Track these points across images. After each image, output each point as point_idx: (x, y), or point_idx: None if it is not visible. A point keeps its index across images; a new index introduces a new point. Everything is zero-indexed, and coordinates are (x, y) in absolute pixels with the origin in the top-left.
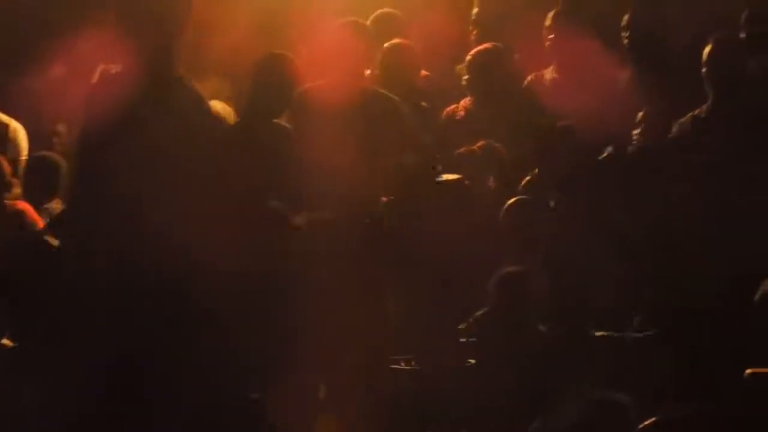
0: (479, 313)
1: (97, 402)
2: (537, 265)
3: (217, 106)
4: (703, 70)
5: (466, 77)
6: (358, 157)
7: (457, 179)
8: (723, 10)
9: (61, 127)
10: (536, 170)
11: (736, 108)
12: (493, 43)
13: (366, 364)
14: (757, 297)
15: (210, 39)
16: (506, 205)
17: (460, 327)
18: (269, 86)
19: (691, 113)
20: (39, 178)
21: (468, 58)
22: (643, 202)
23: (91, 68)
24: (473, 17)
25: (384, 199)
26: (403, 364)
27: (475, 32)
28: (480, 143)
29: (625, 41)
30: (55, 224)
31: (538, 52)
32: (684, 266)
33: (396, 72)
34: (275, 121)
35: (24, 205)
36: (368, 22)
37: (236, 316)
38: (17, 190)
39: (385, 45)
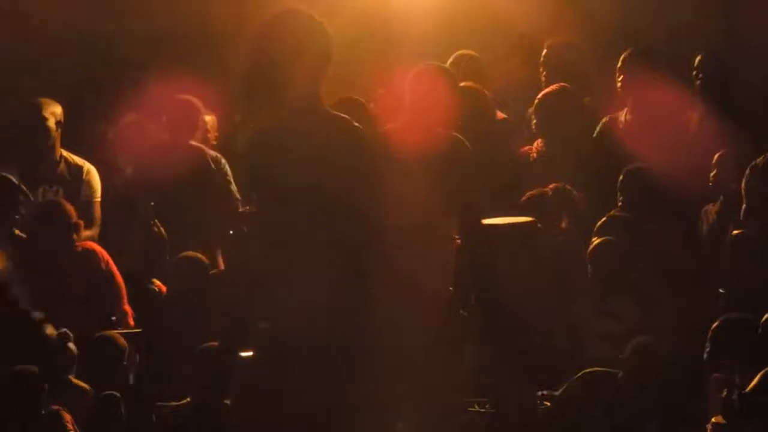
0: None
1: None
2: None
3: None
4: None
5: (534, 120)
6: (430, 201)
7: (529, 221)
8: None
9: (130, 170)
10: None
11: None
12: (561, 84)
13: (441, 406)
14: None
15: None
16: (592, 246)
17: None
18: None
19: (763, 155)
20: None
21: (536, 101)
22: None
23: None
24: (542, 59)
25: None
26: (477, 406)
27: (544, 73)
28: (552, 185)
29: (697, 82)
30: None
31: (609, 94)
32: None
33: (467, 116)
34: None
35: (93, 245)
36: (447, 63)
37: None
38: (89, 232)
39: None
